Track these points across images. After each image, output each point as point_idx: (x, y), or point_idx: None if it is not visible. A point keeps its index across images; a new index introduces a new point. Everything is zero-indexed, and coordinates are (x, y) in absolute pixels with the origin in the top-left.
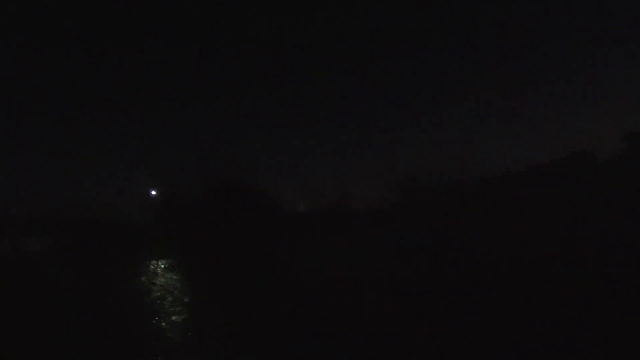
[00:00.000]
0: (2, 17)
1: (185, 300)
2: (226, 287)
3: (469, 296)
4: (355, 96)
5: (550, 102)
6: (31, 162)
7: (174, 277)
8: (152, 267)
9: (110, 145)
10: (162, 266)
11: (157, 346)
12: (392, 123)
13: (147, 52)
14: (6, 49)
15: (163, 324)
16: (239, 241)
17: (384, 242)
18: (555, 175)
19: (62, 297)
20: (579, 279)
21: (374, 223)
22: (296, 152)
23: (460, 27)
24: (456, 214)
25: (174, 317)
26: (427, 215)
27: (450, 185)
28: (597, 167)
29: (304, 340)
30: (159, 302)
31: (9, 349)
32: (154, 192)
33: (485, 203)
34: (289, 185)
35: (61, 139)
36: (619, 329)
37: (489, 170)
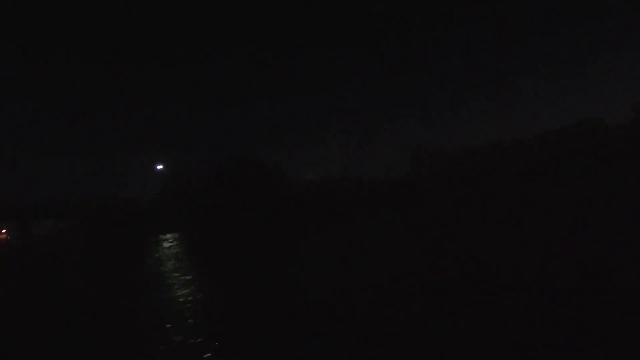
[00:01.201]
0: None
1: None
2: (230, 270)
3: (479, 277)
4: (364, 67)
5: (561, 71)
6: (36, 143)
7: (180, 253)
8: (159, 243)
9: (115, 123)
10: (169, 242)
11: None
12: (401, 92)
13: (151, 38)
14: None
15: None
16: (248, 215)
17: (394, 216)
18: (566, 141)
19: (70, 283)
20: (590, 245)
21: (385, 194)
22: (307, 123)
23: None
24: (467, 182)
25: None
26: (438, 185)
27: (460, 153)
28: (607, 133)
29: (308, 335)
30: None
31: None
32: (160, 167)
33: (496, 169)
34: (299, 155)
35: (65, 117)
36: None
37: (499, 137)
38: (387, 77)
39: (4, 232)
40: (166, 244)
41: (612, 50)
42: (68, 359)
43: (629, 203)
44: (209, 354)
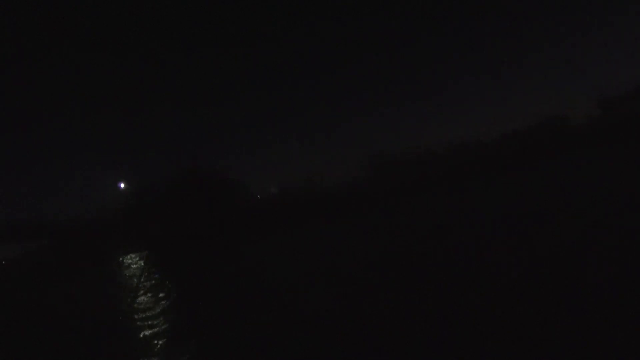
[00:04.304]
0: None
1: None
2: (203, 285)
3: (443, 277)
4: (320, 76)
5: (525, 69)
6: None
7: (150, 272)
8: (125, 262)
9: (74, 141)
10: (137, 262)
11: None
12: (359, 98)
13: (110, 49)
14: None
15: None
16: (211, 229)
17: (356, 222)
18: (529, 142)
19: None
20: (556, 248)
21: (346, 200)
22: (266, 135)
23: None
24: (427, 186)
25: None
26: (398, 189)
27: (420, 157)
28: (571, 132)
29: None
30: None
31: None
32: (122, 185)
33: (457, 172)
34: (260, 168)
35: (21, 137)
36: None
37: (461, 139)
38: (339, 79)
39: None
40: (131, 264)
41: (575, 45)
42: None
43: (596, 200)
44: None
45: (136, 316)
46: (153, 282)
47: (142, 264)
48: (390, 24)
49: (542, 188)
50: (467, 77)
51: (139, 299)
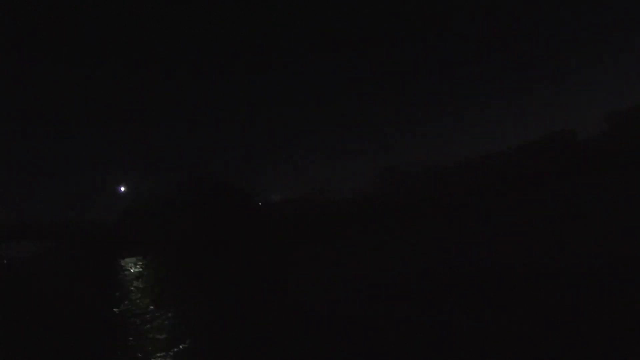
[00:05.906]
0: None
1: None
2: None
3: (453, 287)
4: (332, 86)
5: (532, 84)
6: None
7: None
8: (125, 266)
9: (75, 141)
10: (135, 266)
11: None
12: (370, 110)
13: (115, 52)
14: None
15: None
16: (212, 235)
17: (363, 235)
18: (536, 156)
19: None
20: (561, 262)
21: (354, 213)
22: (274, 143)
23: (438, 10)
24: (437, 199)
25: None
26: (408, 203)
27: (430, 171)
28: (577, 146)
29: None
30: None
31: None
32: (122, 189)
33: (466, 185)
34: (267, 176)
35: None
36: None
37: (469, 153)
38: (356, 94)
39: None
40: (131, 268)
41: (584, 60)
42: None
43: (599, 215)
44: None
45: (133, 317)
46: (151, 284)
47: (141, 267)
48: (405, 47)
49: (552, 202)
50: (477, 92)
51: (137, 300)
